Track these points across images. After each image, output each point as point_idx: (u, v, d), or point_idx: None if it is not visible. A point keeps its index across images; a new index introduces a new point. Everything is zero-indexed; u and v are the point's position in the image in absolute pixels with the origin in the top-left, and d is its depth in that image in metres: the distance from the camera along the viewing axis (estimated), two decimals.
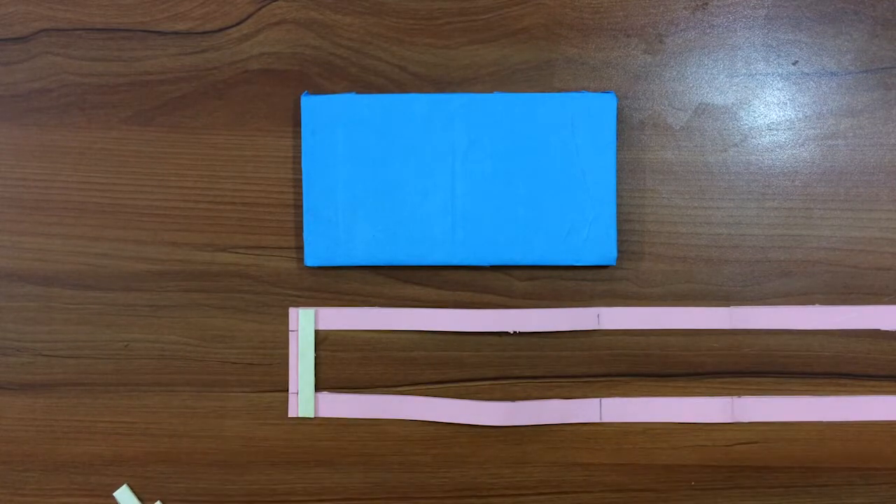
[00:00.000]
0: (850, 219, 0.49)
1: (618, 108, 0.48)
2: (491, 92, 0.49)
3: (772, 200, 0.49)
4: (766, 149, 0.49)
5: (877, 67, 0.49)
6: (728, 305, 0.49)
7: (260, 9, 0.49)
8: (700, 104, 0.49)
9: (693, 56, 0.49)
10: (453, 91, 0.49)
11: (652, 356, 0.49)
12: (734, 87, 0.49)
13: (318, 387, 0.50)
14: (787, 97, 0.49)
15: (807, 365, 0.49)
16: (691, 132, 0.49)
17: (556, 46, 0.49)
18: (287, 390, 0.50)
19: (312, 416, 0.50)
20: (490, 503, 0.49)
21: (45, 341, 0.50)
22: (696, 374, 0.49)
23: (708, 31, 0.49)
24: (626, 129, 0.49)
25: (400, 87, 0.49)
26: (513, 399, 0.49)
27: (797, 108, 0.49)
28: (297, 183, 0.50)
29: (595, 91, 0.49)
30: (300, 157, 0.49)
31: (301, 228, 0.49)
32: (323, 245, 0.48)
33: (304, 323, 0.49)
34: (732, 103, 0.49)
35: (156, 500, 0.50)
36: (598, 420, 0.49)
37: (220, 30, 0.50)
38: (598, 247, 0.48)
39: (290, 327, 0.50)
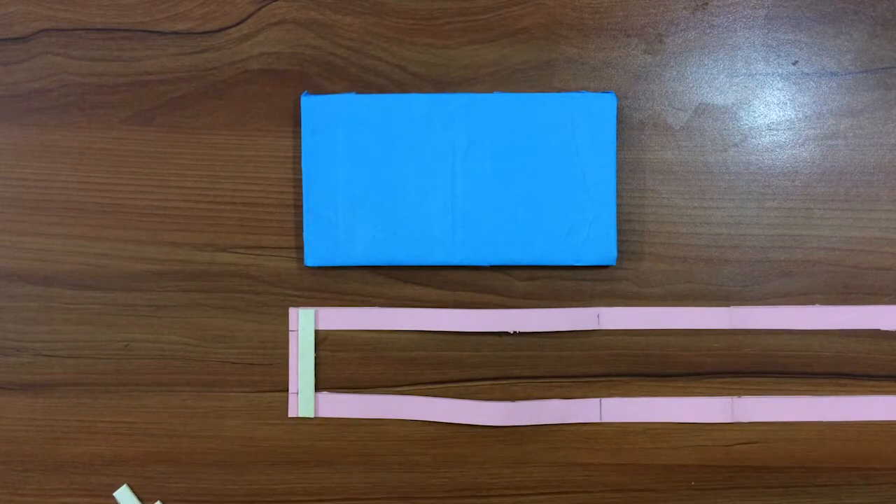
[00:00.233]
0: (850, 219, 0.49)
1: (618, 108, 0.48)
2: (491, 92, 0.49)
3: (772, 200, 0.49)
4: (766, 149, 0.49)
5: (877, 67, 0.49)
6: (728, 305, 0.49)
7: (260, 9, 0.49)
8: (700, 104, 0.49)
9: (693, 56, 0.49)
10: (453, 91, 0.49)
11: (652, 356, 0.49)
12: (734, 87, 0.49)
13: (318, 387, 0.50)
14: (787, 97, 0.49)
15: (807, 365, 0.49)
16: (691, 132, 0.49)
17: (556, 46, 0.49)
18: (287, 390, 0.50)
19: (312, 416, 0.50)
20: (490, 503, 0.49)
21: (45, 341, 0.50)
22: (696, 374, 0.49)
23: (708, 31, 0.49)
24: (626, 129, 0.49)
25: (400, 87, 0.49)
26: (513, 399, 0.49)
27: (797, 108, 0.49)
28: (297, 183, 0.50)
29: (595, 91, 0.49)
30: (300, 157, 0.49)
31: (301, 228, 0.49)
32: (323, 245, 0.48)
33: (304, 323, 0.49)
34: (732, 103, 0.49)
35: (156, 500, 0.50)
36: (598, 420, 0.49)
37: (220, 30, 0.50)
38: (598, 247, 0.48)
39: (290, 327, 0.50)
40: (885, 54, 0.49)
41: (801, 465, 0.49)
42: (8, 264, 0.50)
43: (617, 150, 0.48)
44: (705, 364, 0.49)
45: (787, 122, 0.49)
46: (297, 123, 0.49)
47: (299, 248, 0.50)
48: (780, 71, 0.49)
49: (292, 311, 0.50)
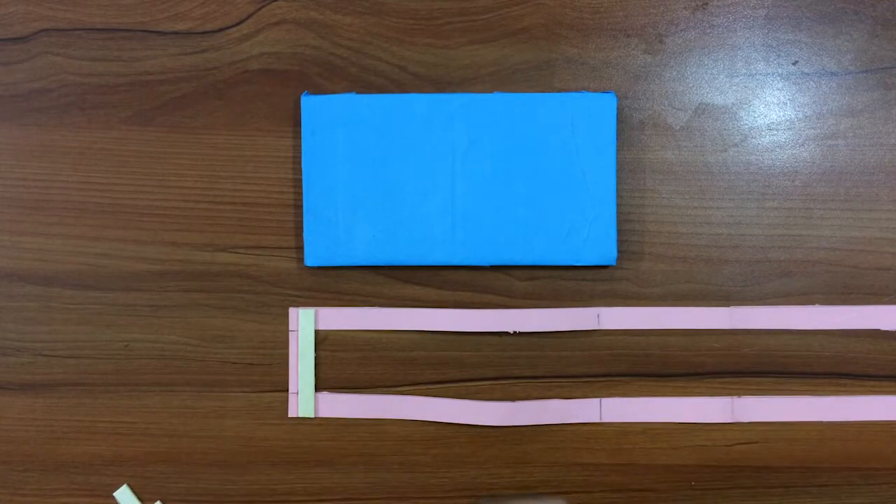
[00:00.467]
0: (850, 219, 0.49)
1: (618, 108, 0.48)
2: (491, 92, 0.49)
3: (772, 200, 0.49)
4: (766, 149, 0.49)
5: (877, 67, 0.49)
6: (728, 305, 0.49)
7: (260, 9, 0.49)
8: (700, 104, 0.49)
9: (693, 56, 0.49)
10: (453, 91, 0.49)
11: (652, 356, 0.49)
12: (734, 87, 0.49)
13: (318, 387, 0.50)
14: (787, 97, 0.49)
15: (807, 365, 0.49)
16: (691, 132, 0.49)
17: (556, 46, 0.49)
18: (287, 390, 0.50)
19: (312, 416, 0.50)
20: None
21: (45, 341, 0.50)
22: (696, 374, 0.49)
23: (708, 31, 0.49)
24: (626, 129, 0.49)
25: (400, 87, 0.49)
26: (513, 399, 0.49)
27: (797, 108, 0.49)
28: (297, 183, 0.50)
29: (595, 91, 0.49)
30: (300, 157, 0.49)
31: (301, 228, 0.49)
32: (323, 245, 0.48)
33: (304, 323, 0.49)
34: (732, 103, 0.49)
35: (156, 500, 0.50)
36: (598, 420, 0.49)
37: (220, 30, 0.50)
38: (598, 247, 0.48)
39: (290, 327, 0.50)
40: (885, 54, 0.49)
41: (801, 465, 0.49)
42: (8, 264, 0.50)
43: (617, 150, 0.48)
44: (705, 364, 0.49)
45: (787, 122, 0.49)
46: (297, 123, 0.49)
47: (299, 248, 0.50)
48: (780, 71, 0.49)
49: (292, 311, 0.50)
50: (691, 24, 0.49)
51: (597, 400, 0.49)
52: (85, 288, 0.50)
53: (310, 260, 0.48)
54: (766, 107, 0.49)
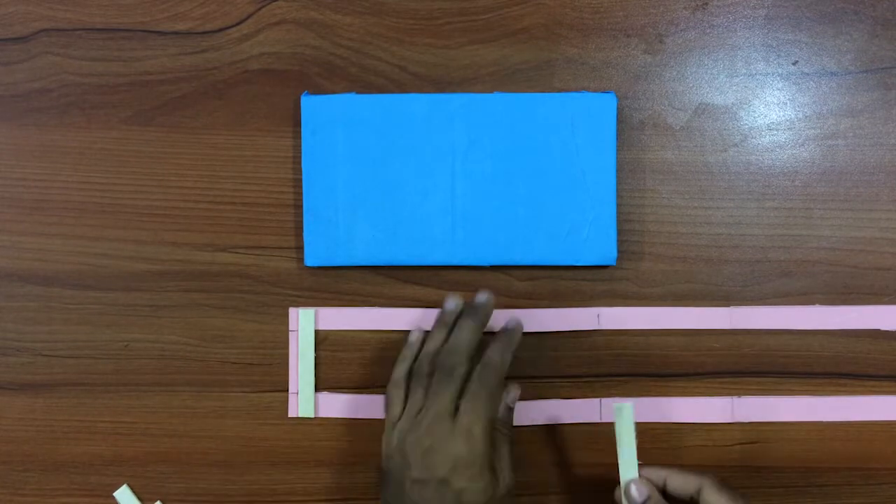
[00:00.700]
0: (850, 219, 0.49)
1: (618, 108, 0.48)
2: (491, 92, 0.49)
3: (772, 200, 0.49)
4: (766, 149, 0.49)
5: (877, 67, 0.49)
6: (728, 305, 0.49)
7: (260, 9, 0.49)
8: (700, 104, 0.49)
9: (693, 56, 0.49)
10: (453, 91, 0.49)
11: (652, 356, 0.49)
12: (734, 87, 0.49)
13: (318, 386, 0.50)
14: (787, 97, 0.49)
15: (807, 365, 0.49)
16: (691, 132, 0.49)
17: (556, 46, 0.49)
18: (287, 390, 0.50)
19: (312, 416, 0.50)
20: None
21: (45, 341, 0.50)
22: (696, 374, 0.49)
23: (708, 31, 0.49)
24: (626, 129, 0.49)
25: (400, 87, 0.49)
26: None
27: (797, 108, 0.49)
28: (297, 183, 0.49)
29: (595, 91, 0.49)
30: (300, 157, 0.49)
31: (301, 228, 0.49)
32: (323, 245, 0.48)
33: (304, 323, 0.49)
34: (732, 103, 0.49)
35: (156, 500, 0.50)
36: (598, 420, 0.49)
37: (220, 30, 0.50)
38: (598, 247, 0.48)
39: (290, 327, 0.50)
40: (885, 54, 0.49)
41: (801, 465, 0.49)
42: (8, 264, 0.50)
43: (617, 150, 0.48)
44: (705, 364, 0.49)
45: (787, 122, 0.49)
46: (297, 123, 0.49)
47: (299, 248, 0.50)
48: (780, 71, 0.49)
49: (292, 311, 0.50)
50: (691, 24, 0.49)
51: (597, 400, 0.49)
52: (85, 288, 0.50)
53: (310, 260, 0.48)
54: (766, 107, 0.49)
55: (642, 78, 0.49)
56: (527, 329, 0.49)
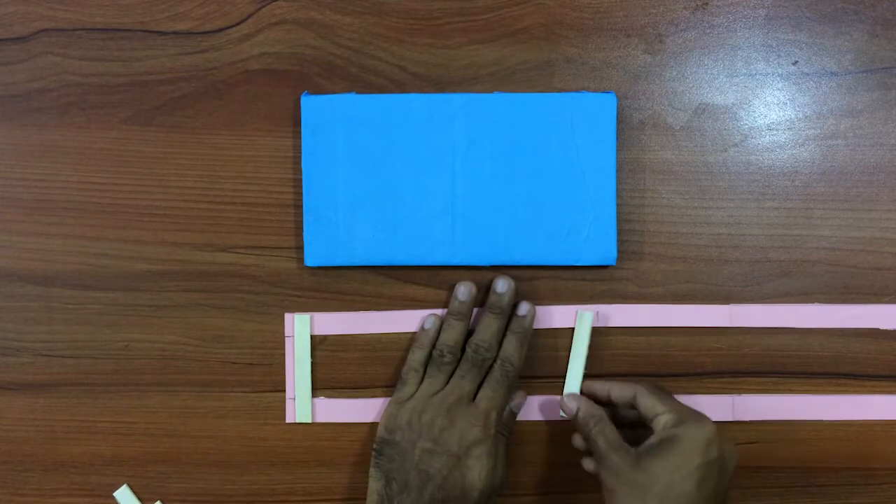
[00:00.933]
0: (850, 219, 0.49)
1: (618, 108, 0.48)
2: (491, 92, 0.49)
3: (772, 200, 0.49)
4: (766, 149, 0.49)
5: (877, 67, 0.49)
6: (728, 305, 0.49)
7: (260, 9, 0.49)
8: (700, 104, 0.49)
9: (693, 56, 0.49)
10: (453, 91, 0.49)
11: (652, 356, 0.49)
12: (734, 87, 0.49)
13: (317, 387, 0.50)
14: (787, 97, 0.49)
15: (806, 365, 0.49)
16: (691, 132, 0.49)
17: (556, 46, 0.49)
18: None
19: (310, 421, 0.50)
20: None
21: (45, 341, 0.50)
22: (696, 373, 0.49)
23: (708, 31, 0.49)
24: (626, 129, 0.49)
25: (400, 87, 0.49)
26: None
27: (797, 108, 0.49)
28: (297, 183, 0.49)
29: (595, 91, 0.49)
30: (300, 157, 0.49)
31: (301, 228, 0.49)
32: (323, 245, 0.48)
33: (300, 328, 0.49)
34: (732, 103, 0.49)
35: (156, 500, 0.50)
36: None
37: (220, 30, 0.50)
38: (598, 247, 0.48)
39: (286, 333, 0.50)
40: (885, 54, 0.49)
41: (801, 465, 0.49)
42: (8, 264, 0.50)
43: (617, 150, 0.48)
44: (705, 364, 0.49)
45: (787, 122, 0.49)
46: (297, 123, 0.49)
47: (299, 249, 0.50)
48: (780, 71, 0.49)
49: (288, 316, 0.50)
50: (691, 24, 0.49)
51: None
52: (85, 288, 0.50)
53: (310, 260, 0.48)
54: (766, 107, 0.49)
55: (642, 78, 0.49)
56: None
